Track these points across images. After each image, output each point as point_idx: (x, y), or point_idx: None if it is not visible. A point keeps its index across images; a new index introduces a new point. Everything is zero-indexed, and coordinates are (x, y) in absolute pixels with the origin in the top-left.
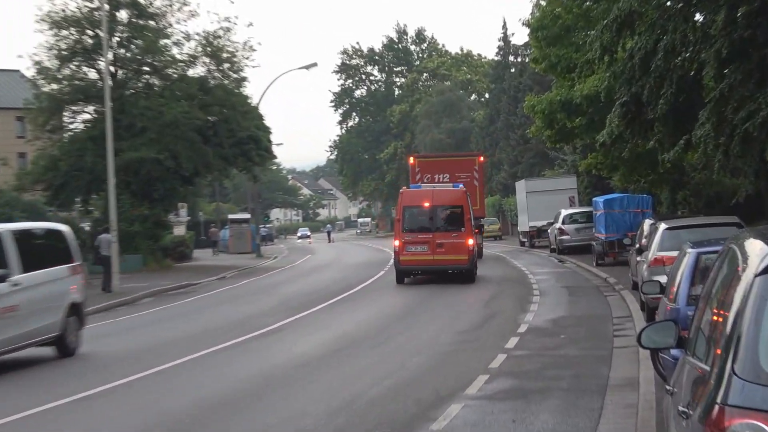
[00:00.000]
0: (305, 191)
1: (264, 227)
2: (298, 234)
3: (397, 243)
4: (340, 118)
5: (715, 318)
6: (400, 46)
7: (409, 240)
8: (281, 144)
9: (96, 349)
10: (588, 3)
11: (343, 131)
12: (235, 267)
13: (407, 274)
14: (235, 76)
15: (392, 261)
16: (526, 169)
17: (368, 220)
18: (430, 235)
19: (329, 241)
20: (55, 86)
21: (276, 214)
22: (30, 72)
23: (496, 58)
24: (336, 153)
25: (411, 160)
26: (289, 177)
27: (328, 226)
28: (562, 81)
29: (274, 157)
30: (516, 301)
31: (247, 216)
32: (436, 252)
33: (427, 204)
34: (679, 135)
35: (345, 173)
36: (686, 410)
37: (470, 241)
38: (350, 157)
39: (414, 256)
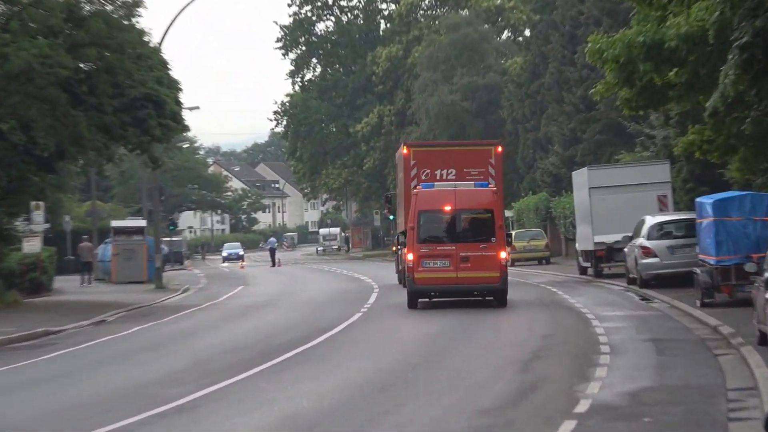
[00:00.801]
0: (235, 184)
1: (168, 241)
2: (224, 253)
3: (410, 257)
4: (292, 68)
5: None
6: None
7: (426, 253)
8: (197, 108)
9: None
10: None
11: (297, 89)
12: (122, 305)
13: (423, 296)
14: None
15: (375, 296)
16: (589, 152)
17: (336, 230)
18: (453, 246)
19: (274, 265)
20: None
21: (188, 220)
22: None
23: None
24: (285, 124)
25: (404, 149)
26: (210, 161)
27: (272, 240)
28: (647, 10)
29: (186, 129)
30: (572, 362)
31: (142, 223)
32: (459, 268)
33: (448, 207)
34: None
35: (300, 156)
36: None
37: (502, 254)
38: (307, 130)
39: (432, 272)
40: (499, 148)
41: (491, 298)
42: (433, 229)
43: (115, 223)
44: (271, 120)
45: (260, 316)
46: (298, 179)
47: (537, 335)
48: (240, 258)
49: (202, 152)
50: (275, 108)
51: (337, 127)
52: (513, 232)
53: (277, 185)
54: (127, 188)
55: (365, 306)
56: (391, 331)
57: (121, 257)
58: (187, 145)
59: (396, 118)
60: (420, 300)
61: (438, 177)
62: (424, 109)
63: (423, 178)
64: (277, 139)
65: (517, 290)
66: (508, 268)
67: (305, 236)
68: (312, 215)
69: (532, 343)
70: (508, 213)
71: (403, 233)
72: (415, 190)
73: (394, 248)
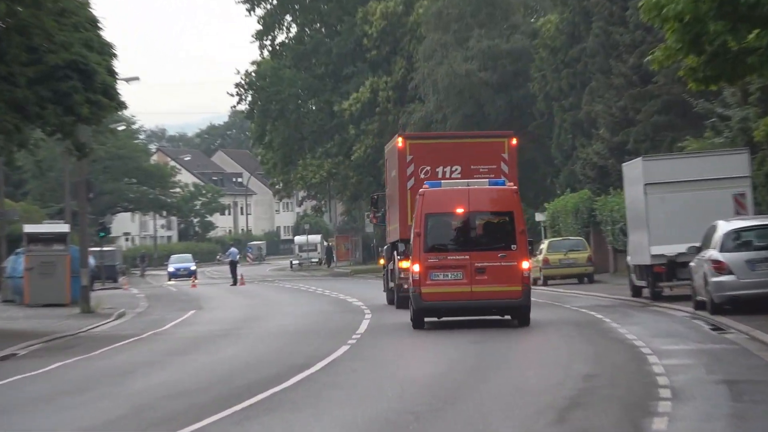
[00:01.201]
0: (185, 178)
1: (98, 252)
2: (170, 267)
3: (416, 268)
4: (260, 29)
5: None
6: None
7: (435, 263)
8: (136, 79)
9: None
10: None
11: (266, 55)
12: (37, 334)
13: (431, 315)
14: None
15: (366, 323)
16: (645, 137)
17: (317, 239)
18: (466, 255)
19: (235, 283)
20: None
21: (124, 225)
22: None
23: None
24: (250, 100)
25: (398, 142)
26: (153, 149)
27: (233, 251)
28: None
29: (122, 106)
30: (622, 412)
31: (64, 229)
32: (474, 281)
33: (460, 210)
34: None
35: (269, 142)
36: None
37: (525, 264)
38: (279, 108)
39: (442, 287)
40: (514, 141)
41: (509, 317)
42: (443, 235)
43: (29, 229)
44: (231, 95)
45: (217, 350)
46: (267, 172)
47: (576, 375)
48: (192, 274)
49: (142, 137)
50: (237, 80)
51: (317, 104)
52: (546, 242)
53: (239, 179)
54: (45, 183)
55: (354, 336)
56: (386, 368)
57: (36, 272)
58: (124, 128)
59: (394, 94)
60: (427, 320)
61: (440, 175)
62: (430, 81)
63: (422, 176)
64: (239, 119)
65: (551, 316)
66: (539, 287)
67: (276, 246)
68: (285, 218)
69: (570, 385)
70: (539, 217)
71: (395, 243)
72: (421, 190)
73: (382, 261)
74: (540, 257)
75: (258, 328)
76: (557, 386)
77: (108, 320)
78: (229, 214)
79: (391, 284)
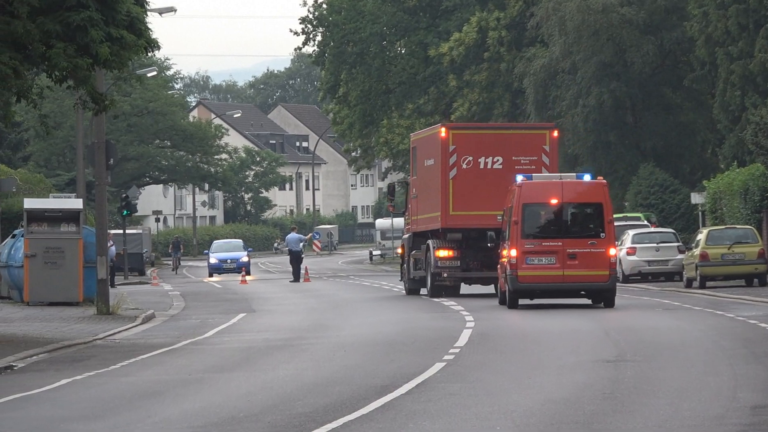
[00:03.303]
0: (234, 140)
1: (120, 236)
2: (213, 258)
3: (513, 252)
4: None
5: None
6: None
7: (531, 249)
8: (172, 11)
9: None
10: None
11: None
12: (41, 341)
13: (525, 296)
14: None
15: (467, 333)
16: None
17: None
18: (559, 242)
19: (297, 279)
20: None
21: (154, 201)
22: None
23: None
24: (320, 40)
25: (442, 131)
26: (193, 102)
27: (294, 236)
28: None
29: (153, 45)
30: None
31: (75, 204)
32: (566, 265)
33: (554, 201)
34: None
35: (345, 96)
36: None
37: (612, 251)
38: (358, 51)
39: (537, 270)
40: (555, 133)
41: (590, 300)
42: (539, 223)
43: (30, 204)
44: (295, 34)
45: (273, 366)
46: (341, 134)
47: (742, 406)
48: (242, 267)
49: (179, 86)
50: (303, 13)
51: (408, 47)
52: (704, 231)
53: (305, 144)
54: (52, 145)
55: (451, 350)
56: (493, 394)
57: (39, 261)
58: (155, 74)
59: (508, 34)
60: (523, 305)
61: (482, 166)
62: (556, 18)
63: (464, 167)
64: (305, 66)
65: (707, 327)
66: (695, 290)
67: (351, 231)
68: (363, 196)
69: (734, 419)
70: (696, 198)
71: (415, 235)
72: (519, 182)
73: (401, 250)
74: (696, 251)
75: (326, 339)
76: (718, 419)
77: (132, 324)
78: (291, 189)
79: (411, 274)
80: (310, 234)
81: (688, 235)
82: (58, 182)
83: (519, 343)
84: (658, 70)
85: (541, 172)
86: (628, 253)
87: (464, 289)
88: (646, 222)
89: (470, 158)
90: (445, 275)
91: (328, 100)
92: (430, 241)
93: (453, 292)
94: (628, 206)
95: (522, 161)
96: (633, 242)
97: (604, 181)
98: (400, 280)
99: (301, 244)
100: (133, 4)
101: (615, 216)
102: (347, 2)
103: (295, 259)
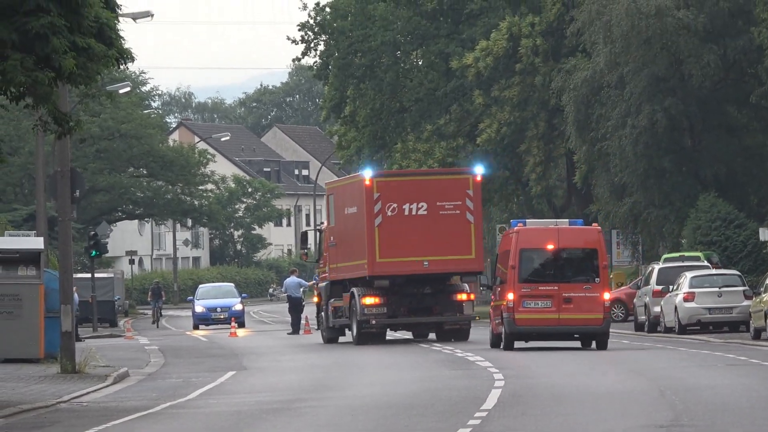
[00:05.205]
0: (222, 167)
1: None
2: (198, 306)
3: (511, 296)
4: None
5: None
6: None
7: (527, 293)
8: (147, 16)
9: None
10: None
11: None
12: None
13: (522, 339)
14: None
15: (495, 394)
16: None
17: None
18: (555, 286)
19: (296, 330)
20: None
21: (128, 239)
22: None
23: None
24: (323, 50)
25: (366, 180)
26: (174, 122)
27: (292, 280)
28: None
29: (127, 56)
30: None
31: (35, 244)
32: (562, 309)
33: (551, 246)
34: None
35: (351, 115)
36: None
37: (606, 295)
38: (367, 62)
39: (533, 314)
40: (478, 177)
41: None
42: (535, 268)
43: None
44: (294, 42)
45: None
46: (347, 161)
47: None
48: (234, 317)
49: (157, 104)
50: (303, 17)
51: (426, 57)
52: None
53: (304, 171)
54: (8, 174)
55: (476, 414)
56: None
57: None
58: (128, 90)
59: (544, 42)
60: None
61: (407, 213)
62: (601, 23)
63: (389, 214)
64: (305, 80)
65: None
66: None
67: None
68: None
69: None
70: (765, 235)
71: (341, 282)
72: (515, 227)
73: (317, 299)
74: (766, 297)
75: (329, 401)
76: None
77: (102, 385)
78: (289, 224)
79: (333, 322)
80: (313, 281)
81: (756, 277)
82: (14, 218)
83: (557, 405)
84: (720, 85)
85: (465, 221)
86: (685, 299)
87: (391, 335)
88: (706, 262)
89: (395, 205)
90: (374, 322)
91: (332, 120)
92: (355, 289)
93: (379, 340)
94: (686, 244)
95: (446, 206)
96: (691, 286)
97: (599, 227)
98: (317, 329)
99: (302, 290)
100: (103, 8)
101: (670, 255)
102: (354, 6)
103: (295, 307)
